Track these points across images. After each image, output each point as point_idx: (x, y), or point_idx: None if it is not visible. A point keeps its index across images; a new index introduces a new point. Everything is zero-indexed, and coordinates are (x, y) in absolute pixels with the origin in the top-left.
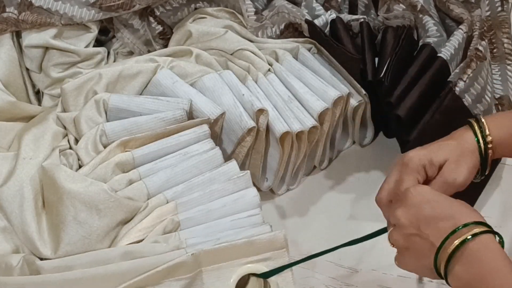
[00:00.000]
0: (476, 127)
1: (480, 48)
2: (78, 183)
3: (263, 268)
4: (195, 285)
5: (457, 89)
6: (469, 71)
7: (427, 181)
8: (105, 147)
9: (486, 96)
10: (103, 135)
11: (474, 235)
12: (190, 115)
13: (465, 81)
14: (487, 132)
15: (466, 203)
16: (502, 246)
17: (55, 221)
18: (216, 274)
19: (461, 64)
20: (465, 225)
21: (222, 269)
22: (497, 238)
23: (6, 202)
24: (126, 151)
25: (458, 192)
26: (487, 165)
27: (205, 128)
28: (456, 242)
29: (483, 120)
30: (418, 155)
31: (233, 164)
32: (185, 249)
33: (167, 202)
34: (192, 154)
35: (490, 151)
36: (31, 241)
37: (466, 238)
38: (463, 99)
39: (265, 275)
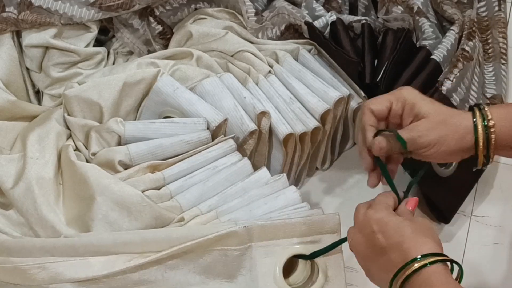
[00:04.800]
0: (477, 111)
1: (467, 48)
2: (113, 183)
3: (312, 250)
4: (244, 258)
5: (443, 88)
6: (455, 70)
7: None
8: (125, 168)
9: (471, 96)
10: (126, 156)
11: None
12: None
13: (452, 81)
14: (489, 116)
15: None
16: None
17: (84, 216)
18: (265, 251)
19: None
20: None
21: (272, 246)
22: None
23: (19, 202)
24: (155, 171)
25: (448, 187)
26: (488, 151)
27: (231, 142)
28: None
29: (486, 108)
30: (410, 90)
31: (264, 171)
32: (235, 223)
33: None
34: (221, 167)
35: (493, 135)
36: (56, 232)
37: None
38: (451, 99)
39: (312, 256)
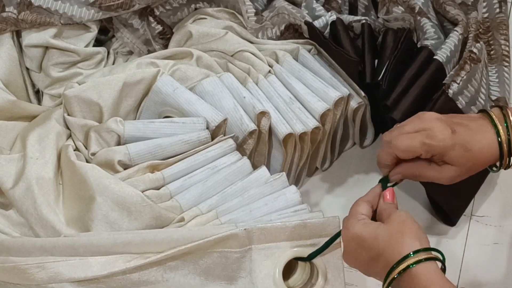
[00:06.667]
0: (495, 117)
1: (475, 50)
2: (113, 183)
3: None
4: (244, 260)
5: (450, 91)
6: (463, 73)
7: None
8: (124, 168)
9: (480, 99)
10: (125, 156)
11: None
12: None
13: (458, 84)
14: None
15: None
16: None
17: (84, 217)
18: (265, 253)
19: (455, 66)
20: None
21: (272, 249)
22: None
23: (19, 202)
24: (154, 171)
25: (454, 190)
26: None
27: (230, 142)
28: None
29: (508, 109)
30: (441, 138)
31: (263, 170)
32: (236, 225)
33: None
34: (221, 167)
35: None
36: (56, 232)
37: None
38: (457, 102)
39: (309, 257)
